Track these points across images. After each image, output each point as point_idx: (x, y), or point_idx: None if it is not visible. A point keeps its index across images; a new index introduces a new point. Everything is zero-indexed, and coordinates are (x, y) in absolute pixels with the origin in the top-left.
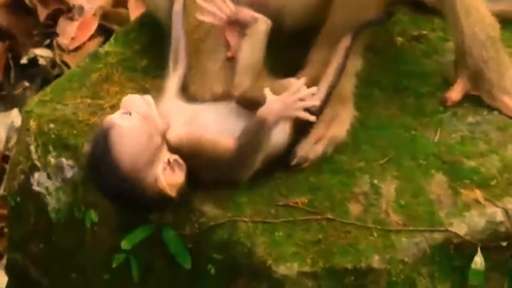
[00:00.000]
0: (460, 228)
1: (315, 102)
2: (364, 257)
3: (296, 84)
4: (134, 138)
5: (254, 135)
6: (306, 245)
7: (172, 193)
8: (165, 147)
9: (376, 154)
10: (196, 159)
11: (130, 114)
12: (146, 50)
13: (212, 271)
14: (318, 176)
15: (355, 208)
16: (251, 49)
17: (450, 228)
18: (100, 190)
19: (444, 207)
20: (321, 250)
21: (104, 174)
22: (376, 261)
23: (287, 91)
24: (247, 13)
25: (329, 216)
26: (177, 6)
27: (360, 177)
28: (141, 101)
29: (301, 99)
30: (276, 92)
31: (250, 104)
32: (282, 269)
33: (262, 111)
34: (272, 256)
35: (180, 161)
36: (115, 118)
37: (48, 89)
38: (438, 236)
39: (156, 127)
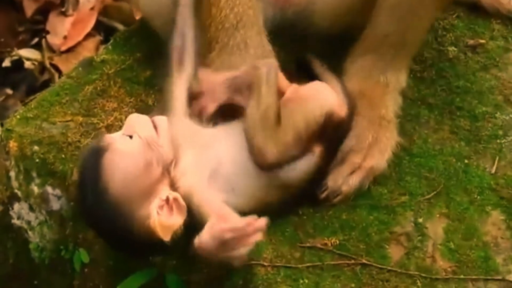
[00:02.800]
0: None
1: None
2: None
3: (246, 220)
4: (129, 164)
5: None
6: None
7: (165, 236)
8: (166, 182)
9: (422, 187)
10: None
11: (131, 137)
12: (149, 59)
13: None
14: (352, 213)
15: (395, 252)
16: (257, 101)
17: (508, 277)
18: (82, 215)
19: (501, 251)
20: None
21: (88, 198)
22: None
23: (229, 226)
24: (239, 73)
25: (364, 260)
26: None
27: (402, 214)
28: (147, 123)
29: (245, 236)
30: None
31: None
32: None
33: (195, 242)
34: None
35: (181, 201)
36: (114, 139)
37: (32, 103)
38: (493, 286)
39: (160, 156)
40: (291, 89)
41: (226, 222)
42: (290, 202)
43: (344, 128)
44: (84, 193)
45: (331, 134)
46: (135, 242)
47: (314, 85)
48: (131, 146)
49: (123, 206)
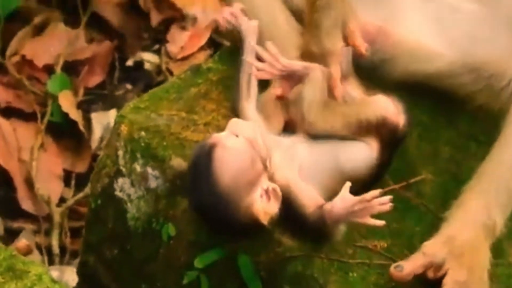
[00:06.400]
0: None
1: (386, 208)
2: None
3: (371, 194)
4: (238, 159)
5: (318, 226)
6: None
7: (265, 221)
8: (265, 175)
9: None
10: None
11: (237, 136)
12: None
13: None
14: (401, 223)
15: None
16: (311, 92)
17: None
18: (192, 203)
19: None
20: None
21: (200, 188)
22: None
23: (359, 197)
24: (299, 65)
25: None
26: (247, 25)
27: None
28: (248, 126)
29: (370, 207)
30: (352, 113)
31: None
32: None
33: (326, 207)
34: None
35: (278, 191)
36: (222, 137)
37: (145, 96)
38: None
39: (260, 153)
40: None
41: (350, 197)
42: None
43: (401, 135)
44: (197, 185)
45: (387, 136)
46: (239, 226)
47: (377, 95)
48: (239, 144)
49: (232, 195)
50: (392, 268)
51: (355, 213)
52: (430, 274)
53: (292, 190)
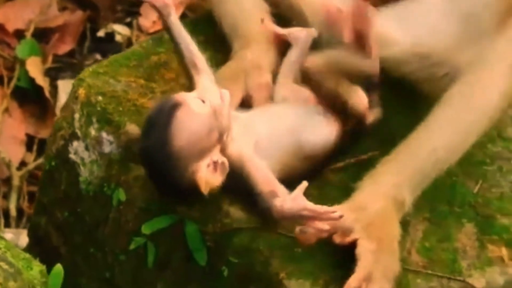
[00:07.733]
0: (478, 282)
1: (335, 219)
2: None
3: (324, 208)
4: (197, 124)
5: (265, 212)
6: (322, 267)
7: (204, 191)
8: (218, 147)
9: None
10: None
11: (203, 102)
12: (210, 42)
13: (226, 273)
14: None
15: None
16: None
17: (468, 279)
18: (141, 154)
19: (468, 257)
20: (337, 275)
21: (153, 142)
22: None
23: (312, 206)
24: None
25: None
26: (171, 17)
27: None
28: (218, 94)
29: (319, 217)
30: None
31: (307, 81)
32: (293, 285)
33: (276, 203)
34: (286, 271)
35: (226, 166)
36: (188, 98)
37: (105, 62)
38: (454, 285)
39: (221, 124)
40: None
41: (303, 200)
42: (308, 175)
43: (363, 128)
44: (151, 138)
45: (350, 125)
46: (178, 187)
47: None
48: (203, 110)
49: (181, 158)
50: (296, 231)
51: (303, 218)
52: (337, 239)
53: (245, 164)
